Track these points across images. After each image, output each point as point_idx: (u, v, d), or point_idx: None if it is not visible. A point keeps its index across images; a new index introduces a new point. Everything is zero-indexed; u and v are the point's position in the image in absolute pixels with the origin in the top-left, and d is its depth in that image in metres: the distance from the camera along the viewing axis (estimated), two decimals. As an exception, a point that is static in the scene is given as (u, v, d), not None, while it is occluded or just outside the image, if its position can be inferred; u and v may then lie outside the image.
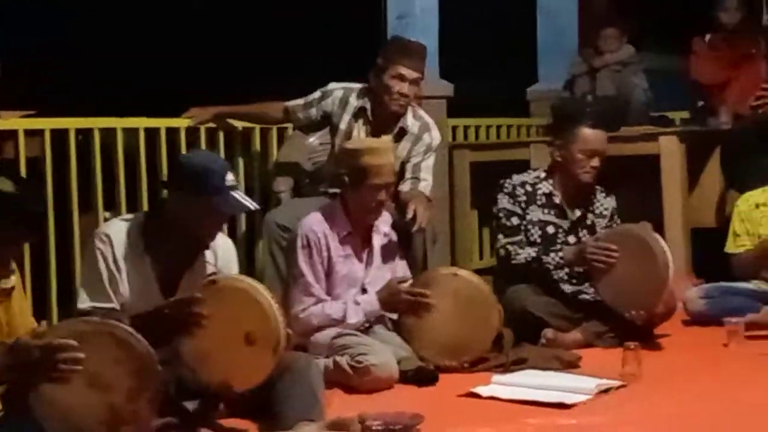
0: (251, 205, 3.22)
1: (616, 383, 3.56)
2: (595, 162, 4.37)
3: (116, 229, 3.25)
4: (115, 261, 3.17)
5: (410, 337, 3.91)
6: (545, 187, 4.47)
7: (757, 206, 4.80)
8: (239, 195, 3.17)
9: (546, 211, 4.45)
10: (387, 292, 3.88)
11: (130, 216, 3.39)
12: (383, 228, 4.05)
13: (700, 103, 6.40)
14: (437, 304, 3.89)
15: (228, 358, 2.98)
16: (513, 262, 4.39)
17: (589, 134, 4.38)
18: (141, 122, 4.61)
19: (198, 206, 3.11)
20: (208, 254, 3.30)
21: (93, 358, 2.62)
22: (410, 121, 4.56)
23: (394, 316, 3.99)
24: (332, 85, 4.63)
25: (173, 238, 3.19)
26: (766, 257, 4.66)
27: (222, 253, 3.34)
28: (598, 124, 4.42)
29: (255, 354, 2.97)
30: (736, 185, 5.56)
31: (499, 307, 3.98)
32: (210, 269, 3.29)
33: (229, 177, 3.15)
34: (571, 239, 4.45)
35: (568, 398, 3.36)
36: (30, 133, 4.28)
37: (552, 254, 4.35)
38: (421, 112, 4.66)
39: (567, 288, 4.41)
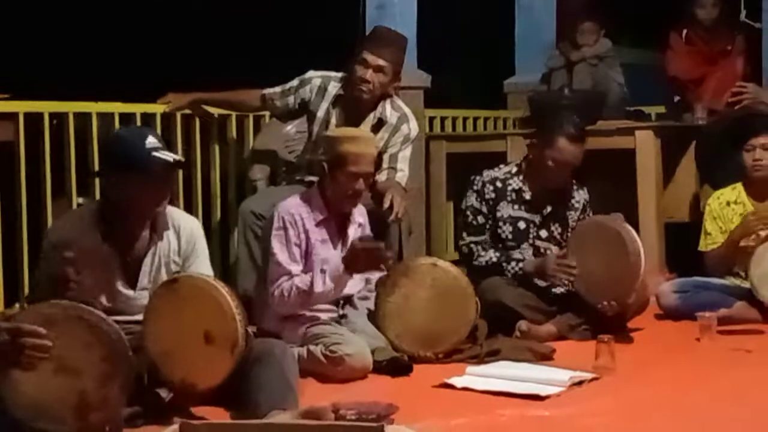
0: (170, 157, 3.13)
1: (589, 375, 3.57)
2: (567, 169, 4.40)
3: (70, 225, 3.22)
4: (74, 250, 3.12)
5: (385, 326, 3.90)
6: (515, 183, 4.47)
7: (728, 204, 4.83)
8: (162, 154, 3.11)
9: (516, 207, 4.45)
10: (348, 252, 3.81)
11: (81, 207, 3.34)
12: (358, 218, 4.04)
13: (676, 99, 6.44)
14: (414, 293, 3.88)
15: (188, 357, 2.97)
16: (474, 262, 4.41)
17: (566, 146, 4.35)
18: (116, 107, 4.57)
19: (126, 183, 3.11)
20: (170, 235, 3.27)
21: (62, 342, 2.60)
22: (389, 111, 4.55)
23: (371, 305, 3.98)
24: (310, 73, 4.61)
25: (125, 220, 3.18)
26: (736, 251, 4.68)
27: (185, 233, 3.31)
28: (578, 138, 4.39)
29: (213, 353, 2.96)
30: (710, 181, 5.60)
31: (477, 299, 3.99)
32: (173, 250, 3.27)
33: (149, 141, 3.12)
34: (543, 233, 4.48)
35: (542, 390, 3.37)
36: (3, 117, 4.23)
37: (513, 262, 4.37)
38: (400, 103, 4.65)
39: (541, 281, 4.42)
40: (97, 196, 4.39)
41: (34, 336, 2.53)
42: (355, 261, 3.77)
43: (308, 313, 3.85)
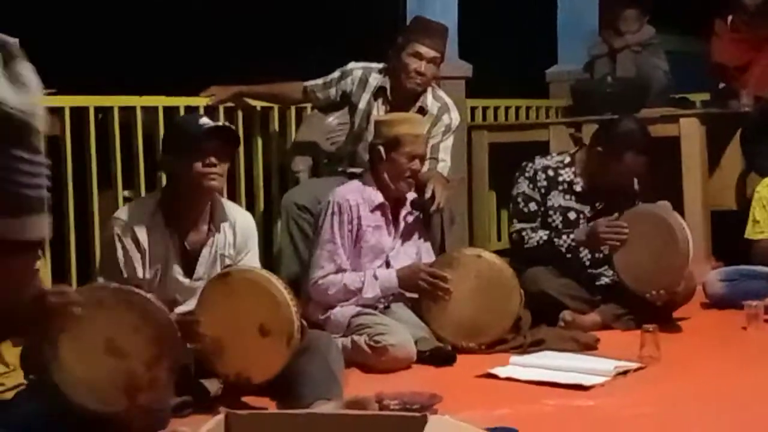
0: (219, 123, 3.28)
1: (635, 365, 3.55)
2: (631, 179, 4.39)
3: (133, 212, 3.29)
4: (135, 243, 3.20)
5: (429, 317, 3.91)
6: (567, 174, 4.43)
7: (776, 190, 4.77)
8: (216, 128, 3.25)
9: (567, 197, 4.42)
10: (408, 270, 3.89)
11: (145, 197, 3.44)
12: (410, 206, 4.07)
13: (721, 85, 6.36)
14: (459, 285, 3.88)
15: (243, 350, 2.99)
16: (525, 246, 4.38)
17: (634, 160, 4.29)
18: (160, 101, 4.61)
19: (183, 160, 3.21)
20: (227, 229, 3.33)
21: (112, 324, 2.63)
22: (430, 102, 4.55)
23: (414, 295, 3.99)
24: (352, 65, 4.62)
25: (186, 208, 3.26)
26: None
27: (240, 227, 3.37)
28: (646, 149, 4.31)
29: (269, 345, 2.98)
30: (755, 168, 5.53)
31: (521, 291, 3.97)
32: (229, 243, 3.32)
33: (203, 120, 3.28)
34: (594, 225, 4.43)
35: (586, 380, 3.35)
36: (49, 112, 4.27)
37: (564, 236, 4.33)
38: (441, 93, 4.65)
39: (586, 270, 4.40)
40: (143, 188, 4.44)
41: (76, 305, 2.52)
42: (412, 281, 3.86)
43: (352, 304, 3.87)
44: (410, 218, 4.05)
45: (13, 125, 0.61)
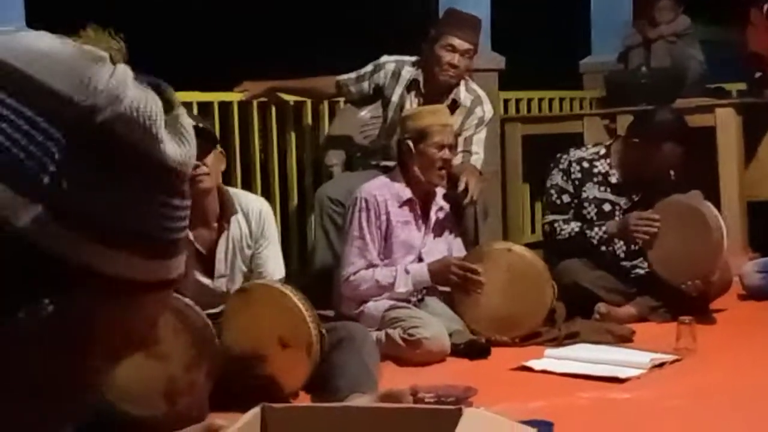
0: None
1: (671, 357, 3.53)
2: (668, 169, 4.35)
3: None
4: None
5: (462, 311, 3.91)
6: (602, 166, 4.41)
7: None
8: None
9: (602, 188, 4.40)
10: (439, 264, 3.89)
11: None
12: (440, 201, 4.07)
13: (757, 75, 6.28)
14: (490, 278, 3.88)
15: (266, 363, 3.03)
16: (557, 237, 4.37)
17: (672, 150, 4.28)
18: (193, 96, 4.64)
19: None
20: (240, 219, 3.29)
21: None
22: (463, 94, 4.54)
23: (447, 288, 3.99)
24: (384, 58, 4.62)
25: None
26: None
27: (254, 215, 3.32)
28: (685, 139, 4.29)
29: (290, 357, 3.01)
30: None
31: (553, 283, 3.96)
32: (245, 234, 3.30)
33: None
34: (629, 217, 4.40)
35: (622, 372, 3.34)
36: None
37: (596, 228, 4.31)
38: (474, 85, 4.64)
39: (622, 262, 4.38)
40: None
41: None
42: (444, 275, 3.85)
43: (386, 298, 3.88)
44: (441, 214, 4.05)
45: (173, 177, 0.63)
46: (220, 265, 3.29)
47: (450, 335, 3.72)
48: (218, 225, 3.28)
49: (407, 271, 3.86)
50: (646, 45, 6.35)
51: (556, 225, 4.38)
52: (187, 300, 2.74)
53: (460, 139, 4.51)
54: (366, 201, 3.91)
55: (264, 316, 3.05)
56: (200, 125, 3.11)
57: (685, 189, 4.49)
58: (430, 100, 4.45)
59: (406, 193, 3.93)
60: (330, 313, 3.97)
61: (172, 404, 2.69)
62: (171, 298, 0.72)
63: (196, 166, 3.12)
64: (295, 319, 3.00)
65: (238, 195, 3.40)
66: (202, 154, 3.15)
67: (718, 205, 4.91)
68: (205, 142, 3.16)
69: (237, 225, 3.30)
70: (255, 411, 2.21)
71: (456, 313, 3.90)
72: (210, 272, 3.29)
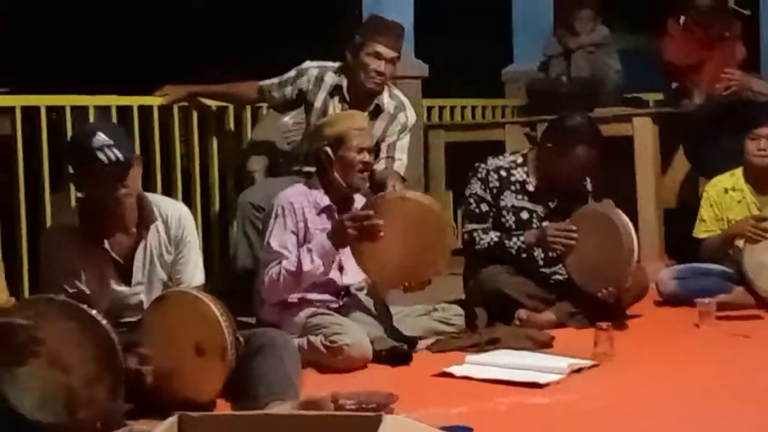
0: (112, 156, 3.00)
1: (589, 363, 3.58)
2: (576, 172, 4.37)
3: (59, 232, 3.23)
4: (67, 259, 3.14)
5: (366, 266, 3.85)
6: (519, 174, 4.45)
7: (726, 191, 4.83)
8: (106, 152, 3.00)
9: (520, 197, 4.44)
10: (334, 226, 3.80)
11: (70, 209, 3.36)
12: (359, 207, 4.04)
13: (674, 85, 6.42)
14: (388, 229, 3.76)
15: (183, 371, 2.99)
16: (477, 247, 4.40)
17: (584, 153, 4.31)
18: (113, 100, 4.57)
19: (82, 181, 3.14)
20: (159, 226, 3.24)
21: (56, 338, 2.62)
22: (386, 100, 4.55)
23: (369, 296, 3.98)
24: (307, 64, 4.61)
25: (105, 216, 3.15)
26: (730, 243, 4.70)
27: (173, 221, 3.27)
28: (596, 143, 4.35)
29: (206, 364, 2.98)
30: (700, 169, 5.58)
31: (453, 224, 3.96)
32: (164, 241, 3.25)
33: (96, 139, 3.01)
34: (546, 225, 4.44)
35: (541, 378, 3.37)
36: (1, 111, 4.23)
37: (514, 238, 4.36)
38: (397, 92, 4.66)
39: (541, 269, 4.43)
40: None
41: (27, 331, 2.54)
42: (341, 233, 3.76)
43: (308, 297, 3.84)
44: None
45: None
46: (137, 273, 3.23)
47: (372, 342, 3.72)
48: (137, 232, 3.22)
49: (309, 249, 3.81)
50: (566, 55, 6.44)
51: (475, 234, 4.41)
52: (93, 312, 2.70)
53: (384, 146, 4.53)
54: (283, 208, 3.88)
55: (180, 323, 3.01)
56: (114, 154, 3.01)
57: (602, 197, 4.56)
58: (353, 106, 4.46)
59: (324, 200, 3.91)
60: (251, 320, 3.94)
61: (72, 415, 2.66)
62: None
63: (115, 186, 3.05)
64: (210, 324, 2.97)
65: (157, 201, 3.33)
66: (121, 177, 3.07)
67: (635, 213, 5.02)
68: (125, 165, 3.07)
69: (156, 232, 3.25)
70: (172, 420, 2.19)
71: (363, 270, 3.86)
72: (128, 281, 3.23)
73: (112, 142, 3.02)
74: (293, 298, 3.85)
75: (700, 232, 4.85)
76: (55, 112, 4.42)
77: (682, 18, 6.24)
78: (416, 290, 3.88)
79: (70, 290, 3.13)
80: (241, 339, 3.06)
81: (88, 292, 3.15)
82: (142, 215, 3.21)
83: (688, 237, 4.94)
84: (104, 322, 2.69)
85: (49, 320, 2.64)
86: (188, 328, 3.00)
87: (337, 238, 3.77)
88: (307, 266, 3.75)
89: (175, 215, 3.29)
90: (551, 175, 4.38)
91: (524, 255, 4.36)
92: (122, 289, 3.22)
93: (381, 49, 4.43)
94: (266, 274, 3.81)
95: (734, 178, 4.84)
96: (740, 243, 4.62)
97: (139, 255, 3.22)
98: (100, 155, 3.00)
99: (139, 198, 3.21)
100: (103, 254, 3.17)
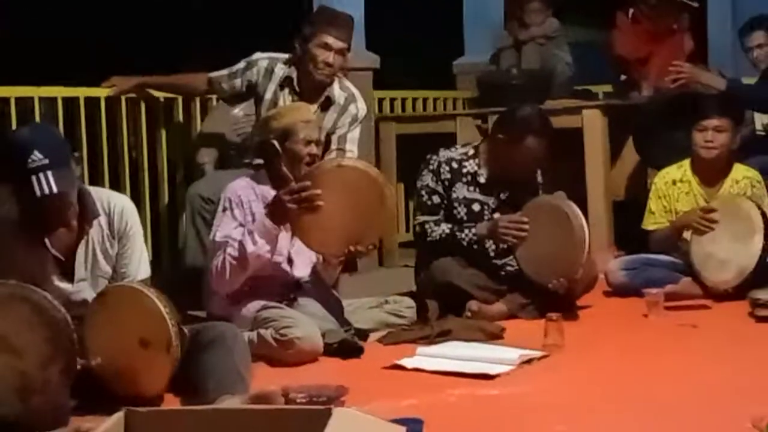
0: (45, 188, 2.85)
1: (539, 354, 3.59)
2: (525, 163, 4.37)
3: (1, 216, 3.11)
4: (5, 250, 3.05)
5: (309, 239, 3.82)
6: (471, 165, 4.46)
7: (674, 183, 4.87)
8: (41, 179, 2.85)
9: (471, 188, 4.44)
10: (271, 203, 3.78)
11: (9, 204, 3.22)
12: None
13: (623, 77, 6.48)
14: (327, 198, 3.74)
15: (131, 366, 2.96)
16: (428, 239, 4.40)
17: (533, 143, 4.32)
18: (59, 91, 4.50)
19: (9, 187, 2.97)
20: (101, 220, 3.18)
21: (6, 321, 2.57)
22: (336, 92, 4.53)
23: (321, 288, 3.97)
24: (257, 55, 4.58)
25: (42, 214, 3.01)
26: (678, 235, 4.75)
27: (116, 213, 3.20)
28: (545, 132, 4.36)
29: (151, 357, 2.95)
30: (649, 161, 5.64)
31: (390, 187, 3.94)
32: (106, 235, 3.19)
33: (33, 157, 2.86)
34: (498, 216, 4.45)
35: (492, 369, 3.38)
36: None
37: (466, 230, 4.37)
38: (348, 83, 4.64)
39: (492, 260, 4.44)
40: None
41: None
42: (280, 208, 3.73)
43: (258, 290, 3.81)
44: None
45: None
46: (79, 269, 3.16)
47: (323, 335, 3.70)
48: (78, 227, 3.14)
49: (250, 232, 3.76)
50: (516, 47, 6.47)
51: (426, 226, 4.41)
52: (45, 293, 2.65)
53: (334, 138, 4.51)
54: (230, 200, 3.86)
55: (123, 317, 2.98)
56: (49, 185, 2.87)
57: (553, 189, 4.59)
58: (304, 98, 4.44)
59: (272, 193, 3.88)
60: (202, 313, 3.91)
61: (26, 401, 2.60)
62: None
63: (52, 199, 2.91)
64: (153, 317, 2.94)
65: (99, 194, 3.25)
66: (58, 206, 2.96)
67: (584, 205, 5.05)
68: (61, 194, 2.93)
69: (98, 226, 3.18)
70: (118, 415, 2.16)
71: (305, 243, 3.83)
72: (70, 277, 3.16)
73: (47, 162, 2.87)
74: (243, 290, 3.82)
75: (649, 224, 4.90)
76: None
77: (631, 11, 6.30)
78: (361, 256, 3.86)
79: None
80: (186, 331, 3.04)
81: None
82: (83, 210, 3.13)
83: (636, 228, 4.99)
84: (56, 302, 2.64)
85: (1, 305, 2.59)
86: (132, 322, 2.96)
87: (276, 213, 3.74)
88: (250, 248, 3.71)
89: (117, 208, 3.21)
90: (502, 166, 4.40)
91: (476, 247, 4.37)
92: (65, 286, 3.14)
93: (329, 40, 4.41)
94: (213, 265, 3.78)
95: (682, 170, 4.89)
96: (688, 234, 4.67)
97: (80, 251, 3.16)
98: (35, 182, 2.86)
99: (81, 193, 3.12)
100: (43, 251, 3.11)
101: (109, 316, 2.99)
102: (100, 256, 3.19)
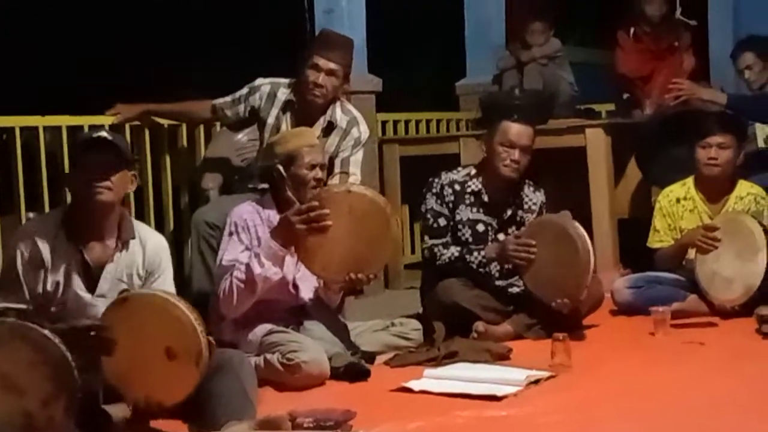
0: (96, 134, 3.23)
1: (546, 374, 3.59)
2: (516, 155, 4.35)
3: (37, 224, 3.26)
4: (36, 255, 3.15)
5: (312, 262, 3.81)
6: (474, 185, 4.46)
7: (678, 201, 4.87)
8: (104, 135, 3.21)
9: (475, 209, 4.45)
10: (279, 222, 3.79)
11: (53, 210, 3.40)
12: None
13: (625, 96, 6.50)
14: (334, 222, 3.74)
15: (151, 375, 2.95)
16: (438, 262, 4.41)
17: (510, 127, 4.38)
18: (64, 120, 4.52)
19: (74, 170, 3.24)
20: (136, 247, 3.27)
21: (7, 360, 2.57)
22: (339, 116, 4.55)
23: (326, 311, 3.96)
24: (259, 81, 4.60)
25: (88, 219, 3.20)
26: (683, 253, 4.74)
27: (151, 250, 3.31)
28: (522, 118, 4.41)
29: (178, 368, 2.94)
30: (651, 179, 5.63)
31: (397, 216, 3.95)
32: (138, 263, 3.26)
33: (96, 132, 3.25)
34: (501, 236, 4.44)
35: (499, 390, 3.37)
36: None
37: (475, 253, 4.37)
38: (350, 106, 4.65)
39: (497, 281, 4.44)
40: (47, 209, 4.34)
41: None
42: (287, 229, 3.74)
43: (264, 315, 3.81)
44: None
45: None
46: (103, 284, 3.23)
47: (329, 359, 3.70)
48: (113, 246, 3.24)
49: (255, 254, 3.77)
50: (519, 67, 6.49)
51: (435, 250, 4.42)
52: (45, 331, 2.66)
53: (337, 161, 4.52)
54: (236, 225, 3.87)
55: (147, 326, 2.96)
56: (111, 140, 3.18)
57: (556, 208, 4.59)
58: (305, 122, 4.45)
59: (277, 218, 3.89)
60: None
61: None
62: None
63: (99, 177, 3.08)
64: (183, 328, 2.93)
65: (139, 226, 3.39)
66: (108, 168, 3.15)
67: (589, 223, 5.05)
68: (116, 158, 3.19)
69: (132, 251, 3.27)
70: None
71: (307, 267, 3.83)
72: (92, 288, 3.22)
73: (111, 138, 3.20)
74: (250, 314, 3.82)
75: (654, 242, 4.89)
76: (3, 133, 4.36)
77: (632, 30, 6.32)
78: (361, 285, 3.86)
79: (26, 287, 3.15)
80: (214, 342, 3.04)
81: (49, 290, 3.16)
82: (121, 231, 3.26)
83: (641, 246, 4.98)
84: (57, 340, 2.65)
85: (1, 344, 2.60)
86: (157, 331, 2.94)
87: (283, 234, 3.75)
88: (257, 270, 3.72)
89: (154, 242, 3.35)
90: (496, 167, 4.37)
91: (482, 270, 4.38)
92: (85, 295, 3.21)
93: (320, 61, 4.42)
94: (220, 289, 3.79)
95: (685, 188, 4.88)
96: (692, 253, 4.66)
97: (110, 267, 3.24)
98: (87, 143, 3.20)
99: (122, 215, 3.28)
100: (76, 257, 3.20)
101: (130, 324, 2.94)
102: (126, 279, 3.26)
